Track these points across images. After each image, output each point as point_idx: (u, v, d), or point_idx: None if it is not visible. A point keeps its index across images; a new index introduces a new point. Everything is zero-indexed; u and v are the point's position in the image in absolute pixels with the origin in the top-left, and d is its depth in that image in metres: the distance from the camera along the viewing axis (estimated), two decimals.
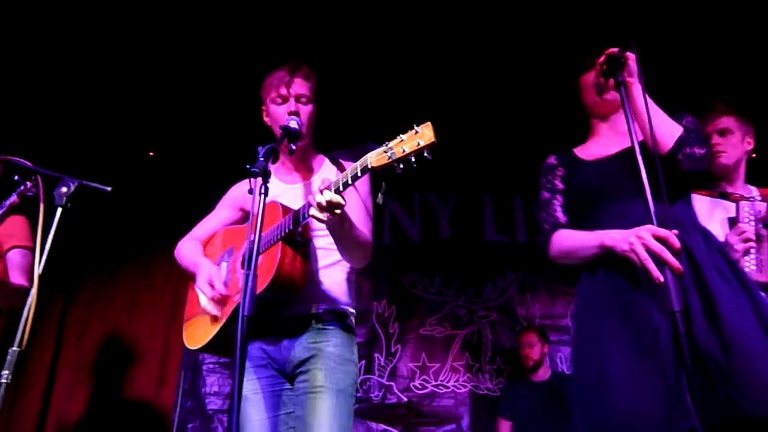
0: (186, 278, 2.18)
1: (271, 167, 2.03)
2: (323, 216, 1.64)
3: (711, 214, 2.31)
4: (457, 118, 4.09)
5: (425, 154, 1.52)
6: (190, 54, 3.72)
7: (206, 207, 2.32)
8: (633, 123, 1.56)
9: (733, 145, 2.36)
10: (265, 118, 2.10)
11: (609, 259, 1.58)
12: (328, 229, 1.77)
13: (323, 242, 1.97)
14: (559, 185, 1.81)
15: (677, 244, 1.42)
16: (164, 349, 4.08)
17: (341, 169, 2.07)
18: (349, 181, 1.61)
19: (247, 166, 1.49)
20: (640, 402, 1.40)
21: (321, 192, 1.62)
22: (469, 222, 4.50)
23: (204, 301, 1.99)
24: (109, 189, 1.84)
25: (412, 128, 1.53)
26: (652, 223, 1.44)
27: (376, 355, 4.13)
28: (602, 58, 1.66)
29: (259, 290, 1.71)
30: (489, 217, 4.52)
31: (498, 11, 3.49)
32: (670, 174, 1.55)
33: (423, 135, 1.51)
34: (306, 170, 2.11)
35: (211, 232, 2.20)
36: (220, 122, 4.13)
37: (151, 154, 4.36)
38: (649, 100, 1.62)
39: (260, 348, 1.94)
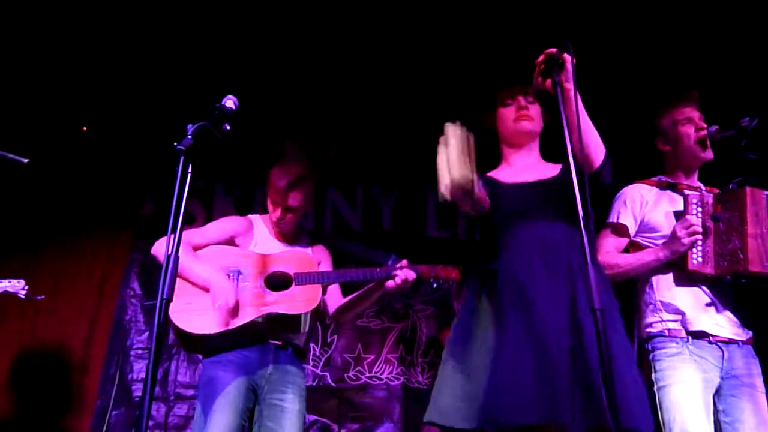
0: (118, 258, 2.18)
1: (261, 216, 2.53)
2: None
3: (657, 203, 2.34)
4: (403, 112, 4.10)
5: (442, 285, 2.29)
6: (128, 21, 3.56)
7: (140, 187, 2.26)
8: (567, 133, 1.58)
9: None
10: (269, 205, 2.46)
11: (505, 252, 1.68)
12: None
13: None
14: None
15: None
16: (89, 333, 3.92)
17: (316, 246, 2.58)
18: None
19: (175, 144, 1.43)
20: (552, 384, 1.45)
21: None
22: (411, 216, 4.51)
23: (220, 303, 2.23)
24: (25, 161, 1.74)
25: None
26: (573, 238, 1.50)
27: (311, 345, 4.10)
28: (541, 58, 1.68)
29: (295, 312, 2.24)
30: (431, 212, 4.55)
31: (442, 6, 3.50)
32: (594, 189, 1.64)
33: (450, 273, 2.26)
34: (294, 241, 2.53)
35: (207, 243, 2.42)
36: (157, 100, 3.98)
37: (84, 128, 4.16)
38: (582, 111, 1.67)
39: (242, 354, 2.26)
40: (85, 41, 3.66)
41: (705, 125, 2.33)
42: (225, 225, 2.48)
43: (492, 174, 1.94)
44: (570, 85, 1.63)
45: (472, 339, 1.60)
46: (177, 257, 1.34)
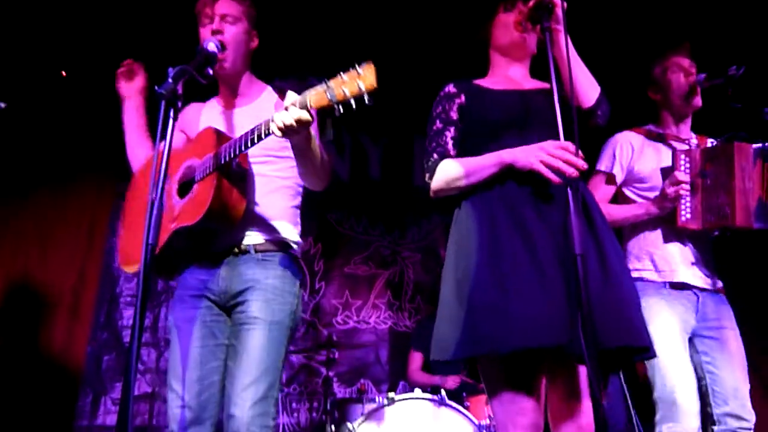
0: (106, 205, 2.11)
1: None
2: (289, 134, 1.59)
3: (645, 153, 2.37)
4: (393, 61, 4.02)
5: (365, 99, 1.47)
6: None
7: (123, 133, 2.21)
8: (552, 68, 1.55)
9: None
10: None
11: (496, 183, 1.59)
12: (293, 147, 1.73)
13: (264, 169, 1.92)
14: (454, 116, 1.74)
15: (582, 163, 1.47)
16: (78, 281, 3.93)
17: (283, 98, 2.00)
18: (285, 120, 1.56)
19: (156, 88, 1.41)
20: (546, 303, 1.42)
21: (286, 109, 1.56)
22: (398, 165, 4.51)
23: None
24: (3, 105, 1.70)
25: (354, 67, 1.48)
26: None
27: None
28: (531, 3, 1.65)
29: (193, 221, 1.73)
30: (419, 161, 4.54)
31: None
32: (583, 126, 1.60)
33: (365, 78, 1.47)
34: (241, 98, 2.03)
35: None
36: (142, 42, 3.87)
37: (63, 73, 4.06)
38: (573, 52, 1.63)
39: (197, 278, 1.90)
40: None
41: (694, 72, 2.34)
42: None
43: (479, 82, 1.82)
44: (560, 28, 1.60)
45: (468, 264, 1.54)
46: (161, 203, 1.34)
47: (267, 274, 1.84)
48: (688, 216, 2.23)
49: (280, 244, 1.91)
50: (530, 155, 1.54)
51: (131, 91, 2.16)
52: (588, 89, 1.66)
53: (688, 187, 2.19)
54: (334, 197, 4.35)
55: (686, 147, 2.32)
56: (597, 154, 2.47)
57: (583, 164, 1.47)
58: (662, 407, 2.15)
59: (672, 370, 2.14)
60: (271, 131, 1.60)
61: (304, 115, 1.54)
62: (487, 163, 1.61)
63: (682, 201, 2.22)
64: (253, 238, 1.87)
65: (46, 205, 3.99)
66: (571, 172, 1.46)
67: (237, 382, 1.74)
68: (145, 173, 2.07)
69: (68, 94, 4.03)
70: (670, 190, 2.19)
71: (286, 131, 1.58)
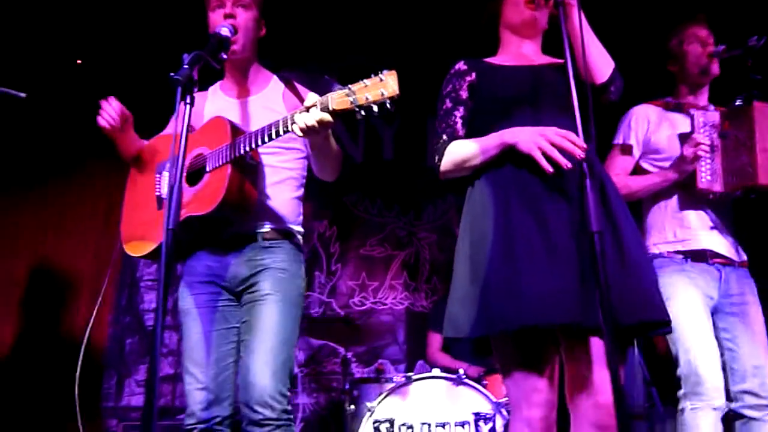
0: (121, 189, 2.14)
1: (220, 81, 1.99)
2: (309, 135, 1.61)
3: (662, 124, 2.36)
4: (405, 41, 4.00)
5: (387, 105, 1.50)
6: None
7: (141, 117, 2.22)
8: (567, 44, 1.54)
9: None
10: (210, 32, 2.00)
11: (508, 161, 1.58)
12: (311, 144, 1.79)
13: (272, 160, 1.96)
14: (464, 95, 1.72)
15: (581, 143, 1.46)
16: (98, 265, 3.99)
17: (292, 89, 2.01)
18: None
19: (171, 74, 1.42)
20: (558, 281, 1.42)
21: (308, 110, 1.58)
22: (412, 145, 4.49)
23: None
24: (23, 95, 1.72)
25: (377, 74, 1.51)
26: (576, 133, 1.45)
27: (316, 273, 4.19)
28: None
29: (206, 211, 1.77)
30: (432, 142, 4.53)
31: None
32: (596, 102, 1.58)
33: (387, 85, 1.49)
34: (249, 86, 2.04)
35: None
36: (154, 30, 3.88)
37: (78, 61, 4.08)
38: (587, 27, 1.61)
39: (205, 264, 1.94)
40: None
41: (711, 42, 2.31)
42: (171, 124, 2.12)
43: (489, 59, 1.79)
44: (573, 2, 1.58)
45: (481, 244, 1.53)
46: (181, 186, 1.36)
47: (275, 259, 1.90)
48: (708, 178, 2.21)
49: (285, 232, 1.96)
50: (530, 140, 1.52)
51: (120, 131, 2.05)
52: (601, 65, 1.63)
53: (707, 148, 2.17)
54: (348, 180, 4.33)
55: (703, 111, 2.30)
56: (613, 129, 2.46)
57: (581, 150, 1.45)
58: (686, 384, 2.15)
59: (696, 347, 2.13)
60: (291, 130, 1.64)
61: (326, 117, 1.57)
62: (491, 144, 1.60)
63: (702, 163, 2.20)
64: (260, 226, 1.92)
65: (62, 192, 4.05)
66: (567, 161, 1.47)
67: (255, 352, 1.78)
68: (147, 154, 2.09)
69: (83, 81, 4.07)
70: (689, 152, 2.17)
71: (308, 132, 1.61)
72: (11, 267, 3.88)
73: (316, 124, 1.57)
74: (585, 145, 1.46)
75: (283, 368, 1.79)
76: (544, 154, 1.50)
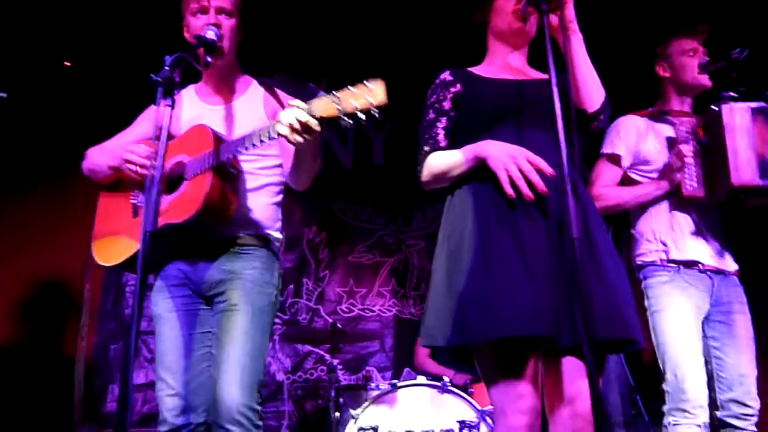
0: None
1: (192, 86, 1.98)
2: (294, 138, 1.57)
3: (649, 135, 2.37)
4: (395, 45, 4.00)
5: (375, 114, 1.49)
6: None
7: (129, 120, 2.20)
8: (551, 56, 1.53)
9: None
10: (186, 34, 1.99)
11: (489, 174, 1.57)
12: (296, 151, 1.73)
13: (250, 167, 1.94)
14: (447, 105, 1.72)
15: (549, 170, 1.48)
16: (84, 269, 3.95)
17: (272, 94, 2.00)
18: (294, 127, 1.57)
19: (152, 75, 1.40)
20: (533, 295, 1.43)
21: (292, 113, 1.55)
22: (402, 152, 4.48)
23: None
24: (5, 95, 1.70)
25: (363, 83, 1.50)
26: (558, 151, 1.43)
27: (304, 279, 4.17)
28: None
29: (183, 219, 1.75)
30: None
31: None
32: (584, 129, 1.61)
33: (375, 94, 1.48)
34: (229, 92, 2.02)
35: None
36: (144, 32, 3.87)
37: (67, 63, 4.06)
38: (584, 52, 1.62)
39: (178, 268, 1.92)
40: None
41: (703, 53, 2.35)
42: (146, 112, 2.10)
43: (476, 70, 1.79)
44: (574, 26, 1.59)
45: (458, 254, 1.55)
46: (160, 190, 1.34)
47: (247, 266, 1.87)
48: (694, 185, 2.23)
49: (261, 239, 1.94)
50: (499, 160, 1.53)
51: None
52: (594, 93, 1.63)
53: (690, 155, 2.20)
54: (337, 186, 4.34)
55: (686, 119, 2.33)
56: (596, 145, 2.46)
57: (541, 186, 1.48)
58: (672, 400, 2.14)
59: (684, 364, 2.13)
60: (275, 136, 1.62)
61: (312, 121, 1.54)
62: (466, 156, 1.60)
63: (686, 171, 2.21)
64: (236, 232, 1.90)
65: (50, 196, 4.00)
66: (533, 189, 1.48)
67: (222, 367, 1.75)
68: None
69: (71, 84, 4.04)
70: (674, 161, 2.21)
71: (293, 136, 1.57)
72: None
73: (299, 126, 1.55)
74: (552, 172, 1.48)
75: (252, 382, 1.76)
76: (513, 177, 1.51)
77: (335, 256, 4.25)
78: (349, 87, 1.51)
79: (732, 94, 2.21)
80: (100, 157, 2.03)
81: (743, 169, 2.12)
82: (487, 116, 1.66)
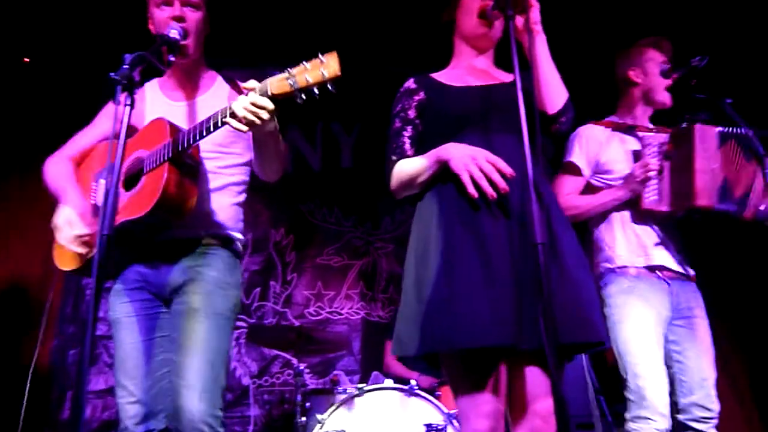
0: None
1: (157, 80, 1.93)
2: (243, 127, 1.54)
3: (610, 144, 2.40)
4: (364, 47, 3.99)
5: (329, 87, 1.46)
6: None
7: (89, 118, 2.14)
8: (517, 59, 1.54)
9: None
10: (150, 26, 1.93)
11: (452, 177, 1.58)
12: (254, 137, 1.70)
13: (211, 165, 1.90)
14: (412, 114, 1.74)
15: (509, 170, 1.50)
16: (44, 273, 3.84)
17: (236, 89, 1.95)
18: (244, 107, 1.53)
19: (110, 74, 1.37)
20: (494, 304, 1.44)
21: (246, 94, 1.51)
22: (371, 154, 4.47)
23: (66, 235, 1.83)
24: None
25: (317, 56, 1.46)
26: (523, 157, 1.44)
27: (271, 282, 4.12)
28: None
29: (140, 214, 1.69)
30: None
31: None
32: (545, 131, 1.63)
33: (328, 66, 1.45)
34: (193, 87, 1.97)
35: (87, 147, 2.03)
36: (108, 24, 3.78)
37: (26, 60, 3.94)
38: (548, 54, 1.63)
39: (137, 271, 1.86)
40: None
41: (669, 66, 2.39)
42: (105, 111, 2.03)
43: (437, 76, 1.80)
44: (539, 27, 1.61)
45: (425, 260, 1.55)
46: (117, 191, 1.30)
47: (209, 268, 1.82)
48: (655, 198, 2.26)
49: (223, 239, 1.89)
50: (461, 161, 1.54)
51: None
52: (555, 95, 1.65)
53: (656, 168, 2.23)
54: (305, 188, 4.31)
55: (652, 134, 2.35)
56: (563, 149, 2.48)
57: (502, 185, 1.50)
58: (633, 406, 2.18)
59: (645, 372, 2.16)
60: (227, 121, 1.58)
61: (266, 102, 1.51)
62: (430, 161, 1.62)
63: (649, 184, 2.25)
64: (197, 232, 1.85)
65: (11, 195, 3.88)
66: (496, 188, 1.50)
67: (183, 373, 1.71)
68: (82, 166, 2.01)
69: (31, 81, 3.92)
70: (638, 172, 2.23)
71: (248, 121, 1.54)
72: None
73: (256, 110, 1.52)
74: (512, 172, 1.50)
75: (214, 389, 1.71)
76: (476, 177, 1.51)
77: (303, 258, 4.21)
78: (303, 62, 1.49)
79: (704, 116, 2.26)
80: (55, 183, 1.98)
81: (707, 192, 2.18)
82: (453, 123, 1.67)
